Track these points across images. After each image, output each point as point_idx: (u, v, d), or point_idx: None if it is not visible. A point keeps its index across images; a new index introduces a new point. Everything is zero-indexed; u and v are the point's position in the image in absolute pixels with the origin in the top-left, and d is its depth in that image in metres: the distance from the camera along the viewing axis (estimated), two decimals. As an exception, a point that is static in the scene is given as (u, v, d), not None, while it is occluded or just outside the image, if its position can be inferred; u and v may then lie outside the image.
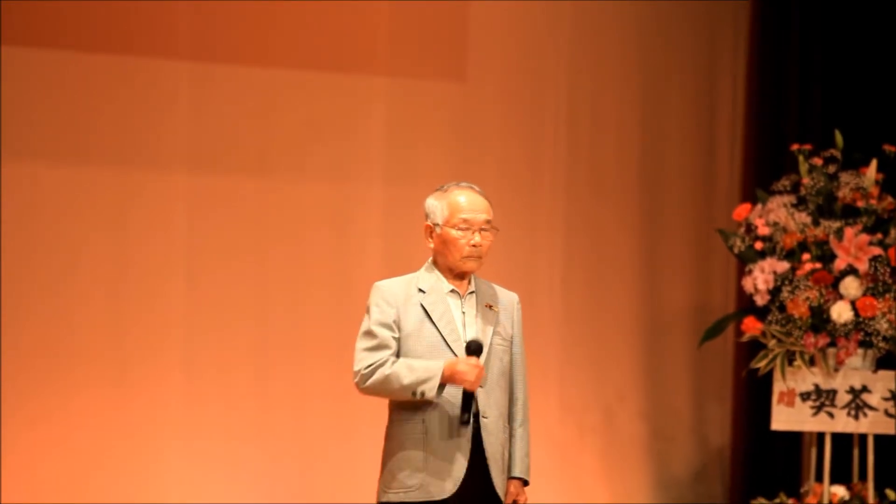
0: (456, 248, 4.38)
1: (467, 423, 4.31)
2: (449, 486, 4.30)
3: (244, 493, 6.84)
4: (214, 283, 6.91)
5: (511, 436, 4.46)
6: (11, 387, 6.62)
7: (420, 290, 4.39)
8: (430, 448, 4.32)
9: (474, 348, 4.32)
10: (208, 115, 6.91)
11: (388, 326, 4.36)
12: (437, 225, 4.40)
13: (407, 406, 4.34)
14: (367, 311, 4.39)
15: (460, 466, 4.31)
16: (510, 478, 4.45)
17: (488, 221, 4.40)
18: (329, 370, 6.95)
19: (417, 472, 4.31)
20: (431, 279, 4.41)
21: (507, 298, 4.49)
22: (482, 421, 4.34)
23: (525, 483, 4.50)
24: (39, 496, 6.58)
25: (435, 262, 4.45)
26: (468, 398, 4.31)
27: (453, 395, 4.32)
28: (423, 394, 4.27)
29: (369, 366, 4.31)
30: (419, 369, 4.29)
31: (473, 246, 4.37)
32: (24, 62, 6.71)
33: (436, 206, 4.41)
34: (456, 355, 4.33)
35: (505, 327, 4.46)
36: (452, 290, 4.41)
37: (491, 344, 4.40)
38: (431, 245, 4.44)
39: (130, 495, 6.70)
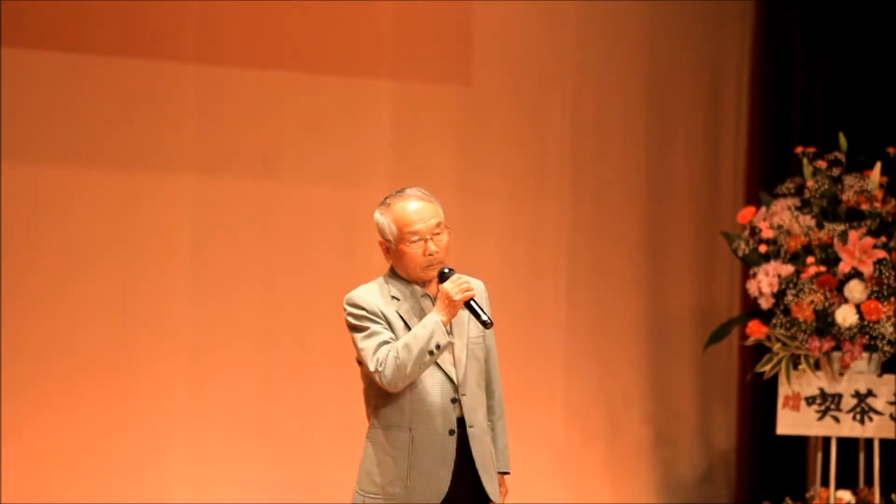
0: (413, 261, 4.24)
1: (490, 325, 4.21)
2: (433, 497, 4.22)
3: (248, 494, 6.83)
4: (220, 285, 6.90)
5: (491, 430, 4.41)
6: (12, 388, 6.59)
7: (394, 298, 4.28)
8: (416, 457, 4.23)
9: (447, 273, 4.22)
10: (214, 118, 6.90)
11: (380, 322, 4.25)
12: (390, 241, 4.26)
13: (394, 413, 4.26)
14: (355, 318, 4.27)
15: (446, 477, 4.24)
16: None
17: (440, 224, 4.26)
18: (334, 372, 6.93)
19: (400, 480, 4.23)
20: (401, 286, 4.29)
21: (476, 288, 4.31)
22: (469, 431, 4.27)
23: (506, 473, 4.46)
24: (39, 496, 6.58)
25: (396, 273, 4.32)
26: (471, 307, 4.22)
27: (441, 405, 4.25)
28: (438, 346, 4.15)
29: (380, 362, 4.18)
30: (418, 333, 4.17)
31: (430, 255, 4.23)
32: (30, 64, 6.68)
33: (383, 222, 4.26)
34: (437, 363, 4.25)
35: (477, 322, 4.33)
36: (424, 295, 4.30)
37: (467, 345, 4.31)
38: (390, 262, 4.31)
39: (132, 496, 6.69)
